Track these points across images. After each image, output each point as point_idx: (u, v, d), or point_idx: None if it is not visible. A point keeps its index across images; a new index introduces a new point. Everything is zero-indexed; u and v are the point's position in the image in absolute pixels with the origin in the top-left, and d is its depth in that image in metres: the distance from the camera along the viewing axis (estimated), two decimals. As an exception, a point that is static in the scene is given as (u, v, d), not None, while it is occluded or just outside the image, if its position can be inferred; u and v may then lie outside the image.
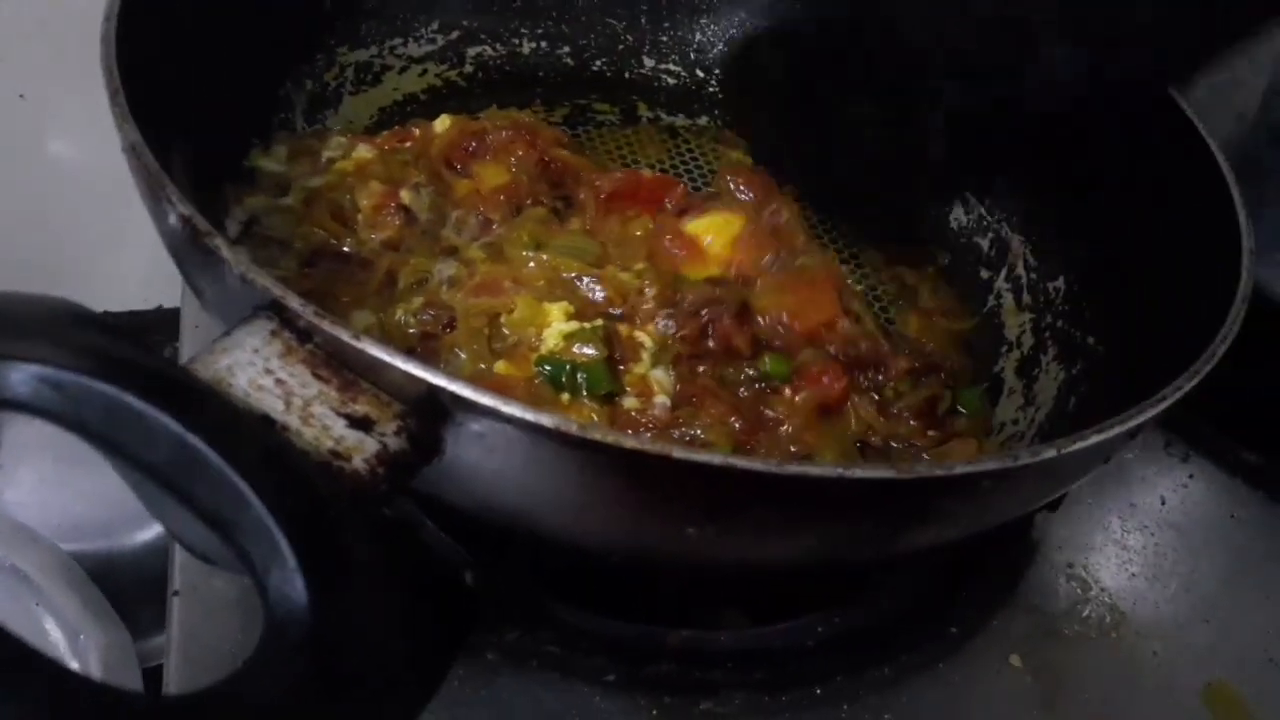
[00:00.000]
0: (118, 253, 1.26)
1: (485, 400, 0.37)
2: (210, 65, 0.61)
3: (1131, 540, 0.71)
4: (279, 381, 0.38)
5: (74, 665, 0.71)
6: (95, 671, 0.72)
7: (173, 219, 0.42)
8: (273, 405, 0.37)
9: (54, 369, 0.30)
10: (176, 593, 0.56)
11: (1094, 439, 0.42)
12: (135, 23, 0.52)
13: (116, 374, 0.31)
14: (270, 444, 0.34)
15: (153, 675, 0.91)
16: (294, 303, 0.39)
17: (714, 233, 0.71)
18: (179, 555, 0.58)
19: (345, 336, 0.38)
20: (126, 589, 0.92)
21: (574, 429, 0.37)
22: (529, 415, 0.37)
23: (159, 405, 0.30)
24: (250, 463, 0.31)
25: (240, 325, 0.40)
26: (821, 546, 0.43)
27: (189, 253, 0.43)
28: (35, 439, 0.95)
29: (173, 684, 0.54)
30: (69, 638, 0.72)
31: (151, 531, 0.92)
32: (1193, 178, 0.64)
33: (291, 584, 0.29)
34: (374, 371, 0.39)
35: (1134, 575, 0.69)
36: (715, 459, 0.37)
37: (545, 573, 0.59)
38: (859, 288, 0.74)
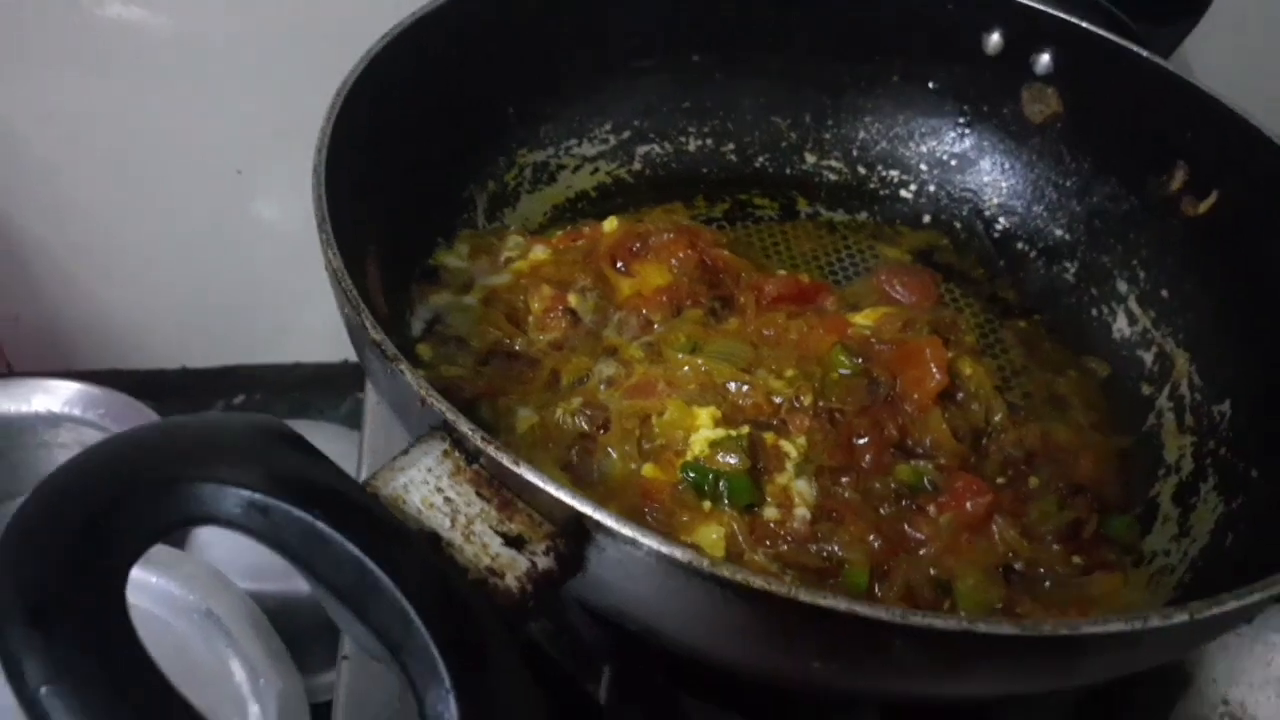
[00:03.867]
0: (311, 308, 1.38)
1: (625, 530, 0.40)
2: (406, 179, 0.68)
3: (1297, 680, 0.68)
4: (447, 500, 0.43)
5: (254, 707, 0.79)
6: (272, 714, 0.79)
7: (366, 343, 0.48)
8: (440, 523, 0.42)
9: (261, 495, 0.35)
10: (345, 657, 0.62)
11: (1231, 605, 0.42)
12: (342, 151, 0.58)
13: (313, 501, 0.36)
14: (436, 564, 0.38)
15: (320, 711, 0.98)
16: (464, 427, 0.44)
17: (873, 321, 0.73)
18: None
19: (506, 461, 0.43)
20: (300, 628, 0.99)
21: (705, 565, 0.40)
22: (663, 548, 0.40)
23: (346, 533, 0.35)
24: (419, 589, 0.35)
25: (417, 444, 0.44)
26: (942, 687, 0.44)
27: (378, 370, 0.49)
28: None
29: (339, 744, 0.59)
30: (251, 680, 0.80)
31: (326, 579, 0.99)
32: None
33: (446, 704, 0.33)
34: (529, 492, 0.43)
35: (1296, 719, 0.66)
36: (840, 604, 0.39)
37: (683, 670, 0.61)
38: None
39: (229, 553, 1.01)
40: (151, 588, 0.82)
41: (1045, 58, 0.85)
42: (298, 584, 1.04)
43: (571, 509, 0.41)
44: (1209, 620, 0.42)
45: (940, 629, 0.39)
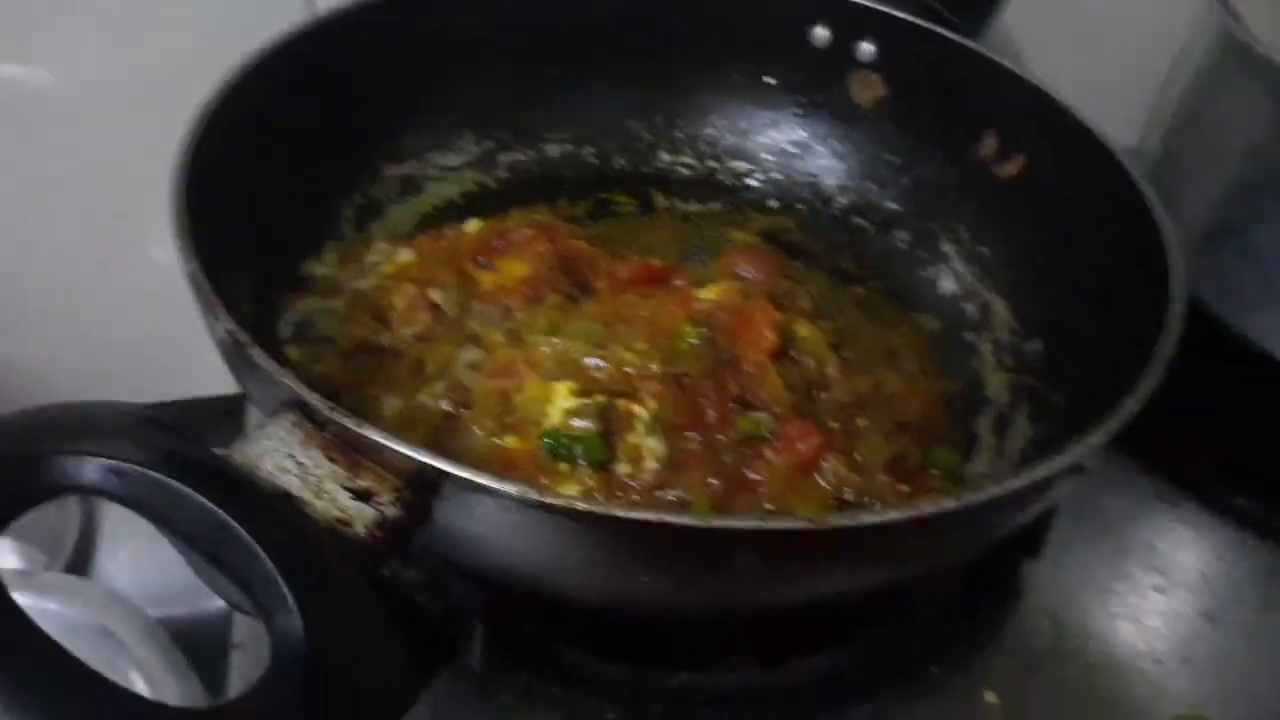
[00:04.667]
0: (206, 343, 1.40)
1: (459, 472, 0.46)
2: (271, 196, 0.72)
3: (1118, 585, 0.76)
4: (299, 464, 0.47)
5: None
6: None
7: (221, 333, 0.52)
8: (291, 483, 0.46)
9: (120, 462, 0.40)
10: (237, 645, 0.65)
11: (993, 492, 0.49)
12: (202, 168, 0.63)
13: (169, 465, 0.40)
14: (286, 515, 0.43)
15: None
16: (312, 399, 0.48)
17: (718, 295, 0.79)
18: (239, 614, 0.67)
19: (350, 424, 0.47)
20: (206, 650, 1.02)
21: (531, 494, 0.45)
22: (486, 481, 0.45)
23: (199, 490, 0.40)
24: (266, 532, 0.40)
25: (271, 419, 0.49)
26: (765, 591, 0.50)
27: (235, 360, 0.53)
28: (133, 519, 1.07)
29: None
30: (151, 690, 0.83)
31: (229, 600, 1.03)
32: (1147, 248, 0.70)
33: (291, 623, 0.38)
34: (375, 452, 0.48)
35: (1115, 616, 0.73)
36: (644, 515, 0.44)
37: (556, 618, 0.66)
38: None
39: (132, 582, 1.04)
40: (49, 614, 0.84)
41: (867, 46, 0.92)
42: (198, 607, 1.06)
43: (412, 459, 0.46)
44: (975, 507, 0.48)
45: (736, 528, 0.45)
